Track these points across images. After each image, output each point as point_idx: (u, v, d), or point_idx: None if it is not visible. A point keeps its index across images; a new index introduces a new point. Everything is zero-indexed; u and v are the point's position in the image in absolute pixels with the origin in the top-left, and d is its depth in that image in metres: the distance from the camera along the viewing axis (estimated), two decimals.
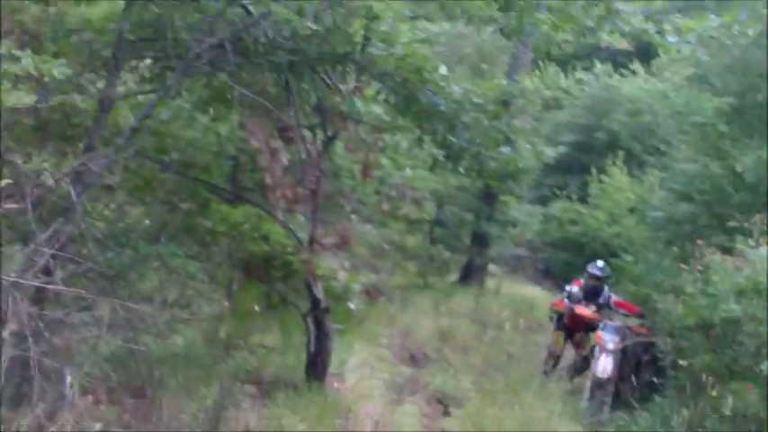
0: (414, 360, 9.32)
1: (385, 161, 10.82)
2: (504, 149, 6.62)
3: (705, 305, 6.46)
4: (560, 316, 9.10)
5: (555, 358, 8.96)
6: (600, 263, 9.09)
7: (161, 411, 5.14)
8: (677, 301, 7.11)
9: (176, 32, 5.03)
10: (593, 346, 8.40)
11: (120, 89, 5.46)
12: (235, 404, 5.67)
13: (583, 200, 18.07)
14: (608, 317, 8.65)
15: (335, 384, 6.74)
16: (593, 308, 8.73)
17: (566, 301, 8.99)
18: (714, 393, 5.93)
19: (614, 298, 8.90)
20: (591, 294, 8.86)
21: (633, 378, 7.76)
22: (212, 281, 6.85)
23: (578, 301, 8.83)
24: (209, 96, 6.21)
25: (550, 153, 15.61)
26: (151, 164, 5.86)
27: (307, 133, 6.41)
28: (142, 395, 5.30)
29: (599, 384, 7.89)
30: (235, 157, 7.13)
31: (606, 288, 8.97)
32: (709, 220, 8.98)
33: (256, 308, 7.87)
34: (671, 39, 9.00)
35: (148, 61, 5.87)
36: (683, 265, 7.40)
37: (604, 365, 7.92)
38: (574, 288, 8.97)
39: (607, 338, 8.09)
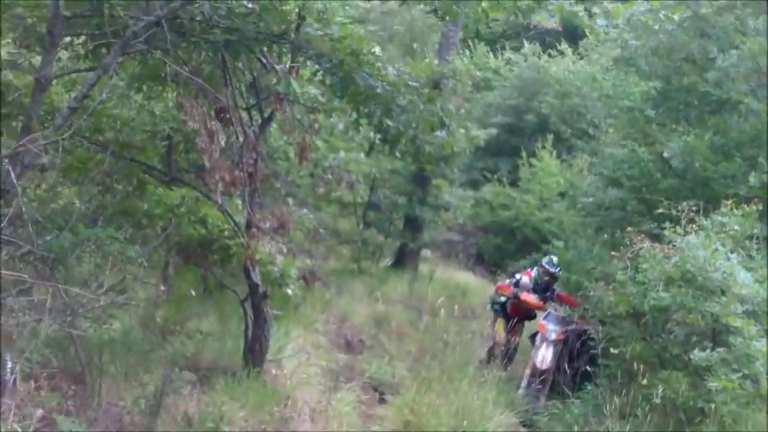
0: (350, 346, 9.31)
1: (320, 143, 10.67)
2: (440, 133, 6.58)
3: (635, 293, 6.53)
4: (502, 305, 9.11)
5: (502, 348, 8.95)
6: (555, 259, 9.11)
7: (101, 397, 5.12)
8: (608, 289, 7.19)
9: (113, 9, 4.88)
10: (535, 334, 8.46)
11: (55, 67, 5.26)
12: (174, 391, 5.58)
13: (514, 183, 18.21)
14: (551, 308, 8.73)
15: (273, 371, 6.65)
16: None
17: (512, 288, 9.02)
18: (645, 382, 5.98)
19: (557, 291, 8.98)
20: (541, 289, 8.92)
21: (566, 367, 7.85)
22: (149, 265, 6.65)
23: (526, 291, 8.90)
24: (144, 74, 6.01)
25: (483, 136, 15.66)
26: (86, 144, 5.64)
27: (243, 115, 6.31)
28: (82, 381, 5.24)
29: (537, 374, 7.97)
30: (169, 137, 6.93)
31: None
32: (637, 206, 9.09)
33: (193, 293, 7.68)
34: (600, 22, 9.07)
35: (83, 38, 5.74)
36: (613, 253, 7.47)
37: (544, 355, 8.03)
38: (524, 278, 8.99)
39: (550, 328, 8.20)
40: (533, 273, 9.01)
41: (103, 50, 5.45)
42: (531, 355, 8.24)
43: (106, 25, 4.81)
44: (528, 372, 8.08)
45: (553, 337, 8.11)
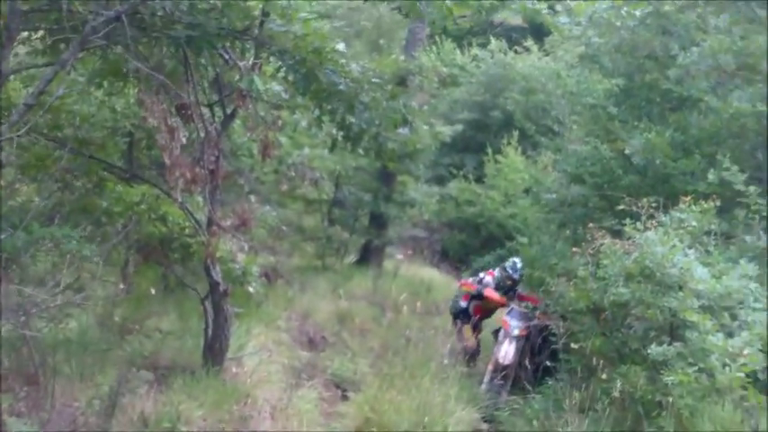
0: (312, 343, 9.30)
1: (284, 140, 10.61)
2: (402, 131, 6.57)
3: (596, 288, 6.58)
4: (464, 311, 9.13)
5: (472, 353, 8.97)
6: (518, 264, 9.10)
7: (54, 398, 5.05)
8: (569, 285, 7.23)
9: (71, 4, 4.77)
10: (498, 330, 8.49)
11: (12, 62, 5.17)
12: (131, 390, 5.52)
13: (479, 180, 18.25)
14: (514, 304, 8.78)
15: (234, 369, 6.60)
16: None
17: (476, 285, 9.08)
18: (604, 376, 6.03)
19: (518, 291, 9.05)
20: (503, 290, 8.99)
21: (528, 362, 7.93)
22: (107, 263, 6.56)
23: (497, 288, 9.00)
24: (105, 70, 5.91)
25: (448, 132, 15.67)
26: (44, 141, 5.56)
27: (206, 111, 6.24)
28: (35, 382, 5.16)
29: (499, 369, 8.02)
30: (130, 133, 6.83)
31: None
32: (599, 202, 9.16)
33: (153, 291, 7.60)
34: (563, 20, 9.11)
35: (41, 33, 5.64)
36: (575, 249, 7.52)
37: (507, 351, 8.08)
38: (487, 277, 9.03)
39: (513, 324, 8.26)
40: (496, 274, 9.05)
41: (62, 46, 5.34)
42: (493, 351, 8.26)
43: (64, 20, 4.72)
44: (491, 367, 8.11)
45: (516, 332, 8.16)
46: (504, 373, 8.03)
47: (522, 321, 8.28)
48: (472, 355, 8.75)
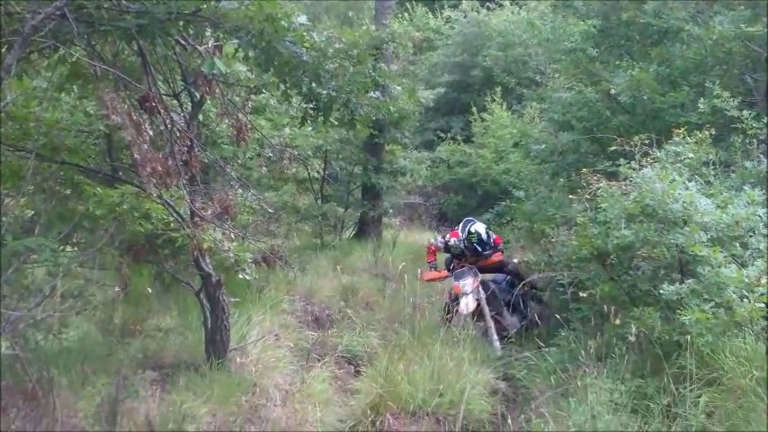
0: (318, 322, 9.18)
1: (263, 122, 10.42)
2: (374, 94, 6.38)
3: (597, 234, 6.43)
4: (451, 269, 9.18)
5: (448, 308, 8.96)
6: (482, 231, 9.03)
7: (56, 411, 4.84)
8: (570, 233, 7.10)
9: (7, 4, 4.51)
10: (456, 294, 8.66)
11: None
12: (133, 394, 5.34)
13: (468, 140, 18.17)
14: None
15: (238, 359, 6.43)
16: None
17: (442, 248, 9.20)
18: (617, 322, 5.89)
19: (493, 237, 9.23)
20: (471, 250, 8.94)
21: (527, 314, 8.07)
22: (101, 266, 6.40)
23: (460, 254, 9.01)
24: (70, 74, 5.68)
25: (429, 95, 15.52)
26: (13, 151, 5.38)
27: (175, 102, 6.03)
28: (33, 397, 4.90)
29: (469, 318, 8.14)
30: (108, 135, 6.66)
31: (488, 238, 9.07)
32: (591, 146, 9.03)
33: (150, 290, 7.45)
34: None
35: None
36: (571, 196, 7.38)
37: (465, 303, 8.28)
38: (452, 239, 9.00)
39: (462, 284, 8.51)
40: (460, 233, 9.00)
41: (3, 51, 5.12)
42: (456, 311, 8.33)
43: (2, 23, 4.48)
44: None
45: (468, 289, 8.41)
46: (473, 319, 8.18)
47: (469, 277, 8.54)
48: (448, 311, 8.70)
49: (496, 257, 9.06)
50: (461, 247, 8.90)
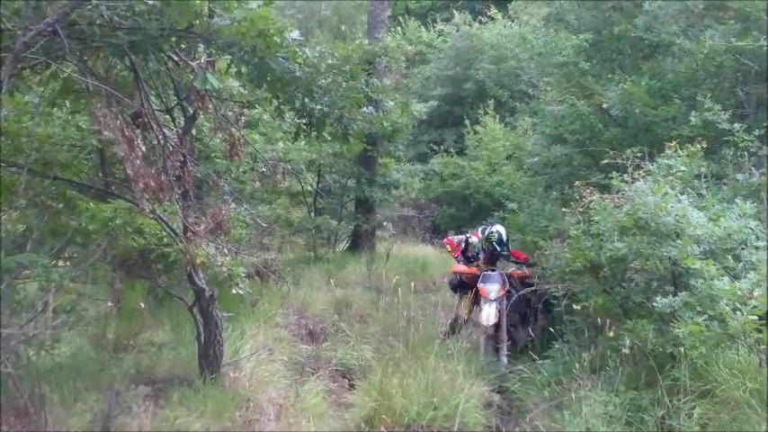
0: (312, 336, 9.16)
1: (257, 137, 10.44)
2: (367, 109, 6.40)
3: (590, 246, 6.45)
4: (459, 283, 9.04)
5: (452, 323, 8.88)
6: (498, 233, 8.88)
7: (47, 429, 4.82)
8: (563, 246, 7.11)
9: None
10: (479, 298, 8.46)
11: None
12: (125, 409, 5.30)
13: (461, 152, 18.24)
14: (502, 267, 8.73)
15: (232, 374, 6.40)
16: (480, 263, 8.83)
17: (461, 245, 9.07)
18: (611, 334, 5.91)
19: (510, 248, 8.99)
20: (489, 252, 8.85)
21: (530, 329, 7.90)
22: (94, 282, 6.39)
23: (477, 254, 8.91)
24: (60, 89, 5.68)
25: (422, 109, 15.57)
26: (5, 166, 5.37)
27: (167, 117, 6.06)
28: (26, 414, 4.89)
29: (488, 332, 8.05)
30: (101, 149, 6.66)
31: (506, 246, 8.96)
32: (583, 159, 9.06)
33: (143, 305, 7.43)
34: None
35: None
36: (564, 209, 7.41)
37: (488, 313, 8.03)
38: (473, 238, 8.93)
39: (488, 288, 8.24)
40: (480, 234, 8.93)
41: None
42: (479, 319, 8.22)
43: None
44: (482, 337, 8.06)
45: (493, 296, 8.16)
46: (493, 335, 8.07)
47: (497, 283, 8.26)
48: (452, 326, 8.65)
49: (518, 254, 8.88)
50: (479, 247, 8.85)
